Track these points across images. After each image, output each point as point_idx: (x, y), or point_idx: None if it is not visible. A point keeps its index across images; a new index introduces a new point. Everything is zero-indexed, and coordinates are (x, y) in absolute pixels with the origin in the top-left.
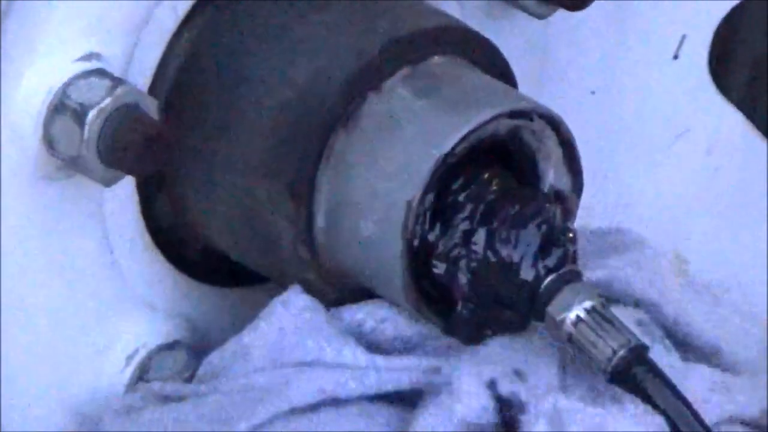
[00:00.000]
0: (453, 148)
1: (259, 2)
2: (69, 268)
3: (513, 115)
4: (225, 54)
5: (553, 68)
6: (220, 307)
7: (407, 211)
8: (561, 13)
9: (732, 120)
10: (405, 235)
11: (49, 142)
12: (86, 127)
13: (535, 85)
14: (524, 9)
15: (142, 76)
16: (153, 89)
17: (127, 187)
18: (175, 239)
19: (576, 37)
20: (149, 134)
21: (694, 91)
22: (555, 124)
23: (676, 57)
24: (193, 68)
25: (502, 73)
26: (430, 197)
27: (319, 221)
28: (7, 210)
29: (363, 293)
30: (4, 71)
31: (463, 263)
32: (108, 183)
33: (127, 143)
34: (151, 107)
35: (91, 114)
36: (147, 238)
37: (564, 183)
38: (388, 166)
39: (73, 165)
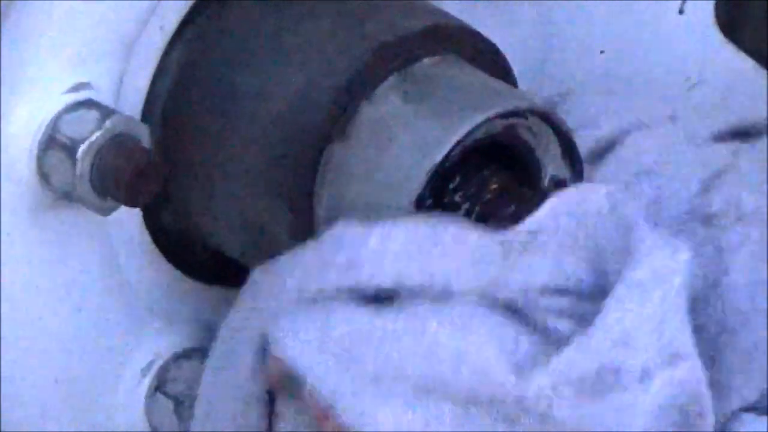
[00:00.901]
0: (445, 156)
1: (246, 14)
2: (77, 291)
3: (505, 115)
4: (215, 68)
5: (560, 30)
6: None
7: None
8: None
9: (744, 68)
10: None
11: (43, 176)
12: (78, 162)
13: (542, 49)
14: None
15: (134, 98)
16: (146, 109)
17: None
18: (181, 247)
19: None
20: (141, 165)
21: (702, 43)
22: (549, 119)
23: (681, 12)
24: (185, 84)
25: (497, 66)
26: (427, 203)
27: (320, 222)
28: (8, 244)
29: None
30: None
31: None
32: (105, 213)
33: (120, 176)
34: (143, 135)
35: (82, 149)
36: (153, 249)
37: (564, 174)
38: (382, 175)
39: (68, 198)
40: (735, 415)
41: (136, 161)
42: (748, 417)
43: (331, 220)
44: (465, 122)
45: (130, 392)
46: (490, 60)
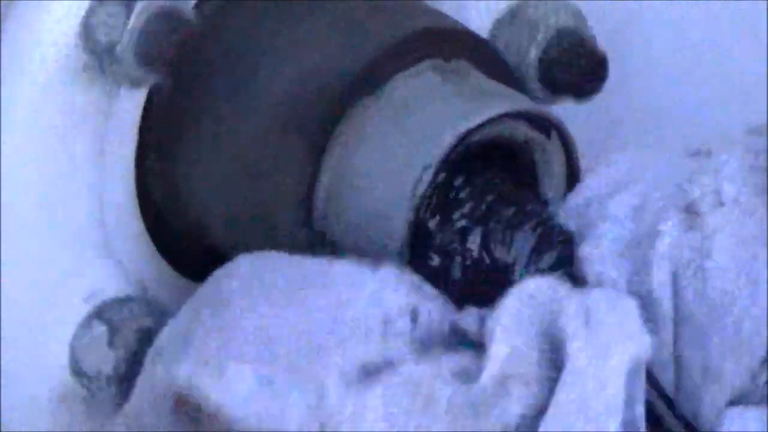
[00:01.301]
0: (477, 127)
1: None
2: (60, 187)
3: (534, 119)
4: (248, 20)
5: None
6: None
7: (417, 181)
8: None
9: None
10: (414, 203)
11: (86, 30)
12: (133, 15)
13: None
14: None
15: None
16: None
17: (125, 162)
18: (165, 225)
19: None
20: (189, 37)
21: None
22: (553, 123)
23: None
24: (203, 41)
25: (499, 71)
26: (441, 178)
27: (322, 190)
28: (21, 93)
29: None
30: None
31: (457, 260)
32: (135, 83)
33: (167, 41)
34: (191, 17)
35: (141, 4)
36: (137, 209)
37: (561, 177)
38: (406, 138)
39: (106, 56)
40: (723, 413)
41: (185, 32)
42: (736, 411)
43: (336, 176)
44: (500, 105)
45: (66, 311)
46: (492, 64)
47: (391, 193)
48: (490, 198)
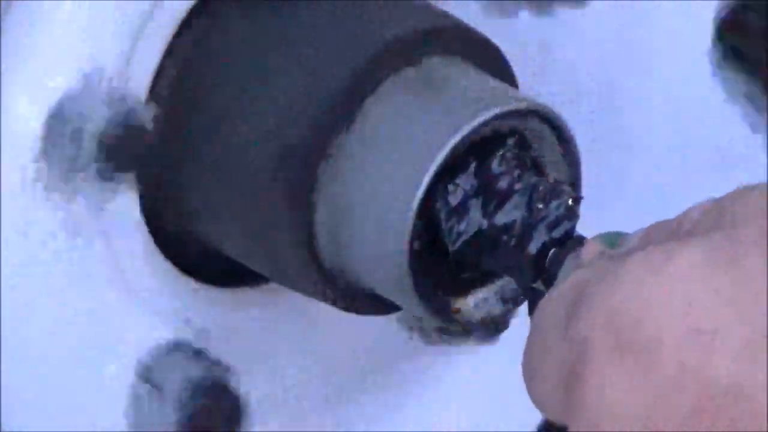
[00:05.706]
0: (448, 155)
1: (255, 6)
2: (72, 271)
3: (507, 115)
4: (221, 61)
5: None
6: (223, 307)
7: (412, 196)
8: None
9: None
10: (410, 223)
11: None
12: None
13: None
14: None
15: (141, 78)
16: (152, 91)
17: (129, 193)
18: (177, 241)
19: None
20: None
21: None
22: (550, 120)
23: None
24: (192, 72)
25: (499, 69)
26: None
27: (320, 222)
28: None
29: (363, 293)
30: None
31: (465, 236)
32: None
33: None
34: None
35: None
36: (150, 242)
37: (563, 174)
38: (385, 173)
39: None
40: None
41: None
42: None
43: (333, 207)
44: (467, 122)
45: (116, 381)
46: (492, 62)
47: (387, 217)
48: (496, 172)
